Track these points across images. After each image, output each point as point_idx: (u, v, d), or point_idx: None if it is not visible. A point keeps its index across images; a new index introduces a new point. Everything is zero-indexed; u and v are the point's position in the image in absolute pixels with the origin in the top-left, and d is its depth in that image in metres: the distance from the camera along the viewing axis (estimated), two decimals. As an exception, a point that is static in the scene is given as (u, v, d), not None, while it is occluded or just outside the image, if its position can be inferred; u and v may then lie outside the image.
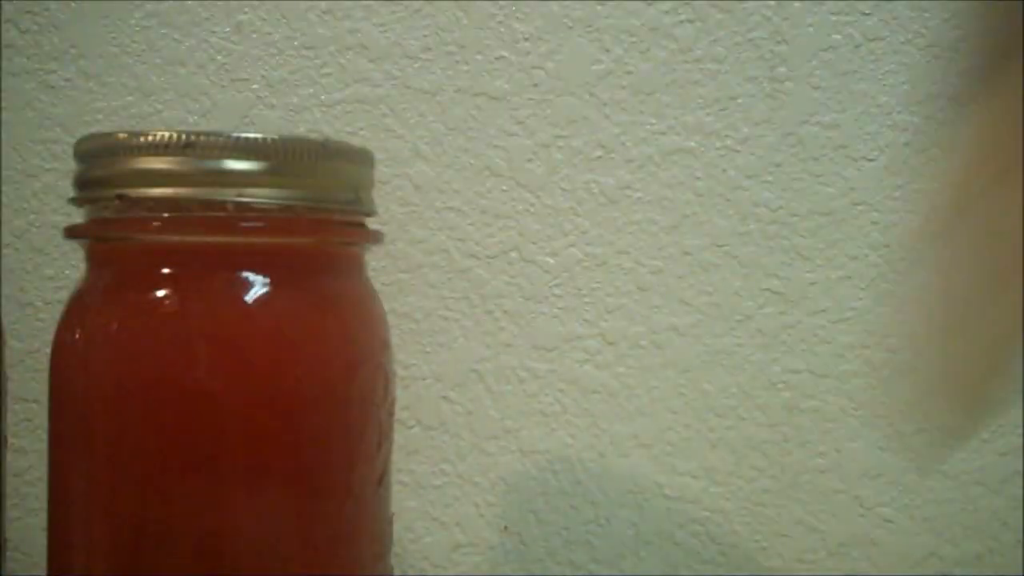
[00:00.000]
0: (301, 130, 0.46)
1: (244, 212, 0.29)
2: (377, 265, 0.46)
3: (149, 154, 0.28)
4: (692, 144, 0.45)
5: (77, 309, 0.30)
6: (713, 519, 0.46)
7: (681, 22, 0.45)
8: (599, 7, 0.45)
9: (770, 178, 0.45)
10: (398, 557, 0.46)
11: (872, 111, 0.45)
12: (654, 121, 0.45)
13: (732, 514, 0.46)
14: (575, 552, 0.46)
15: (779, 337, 0.45)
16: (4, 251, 0.47)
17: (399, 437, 0.43)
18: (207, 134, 0.28)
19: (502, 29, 0.46)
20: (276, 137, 0.29)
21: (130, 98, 0.47)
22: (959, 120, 0.24)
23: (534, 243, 0.46)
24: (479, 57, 0.46)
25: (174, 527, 0.28)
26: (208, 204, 0.28)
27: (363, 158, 0.32)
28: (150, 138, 0.28)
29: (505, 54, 0.46)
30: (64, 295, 0.32)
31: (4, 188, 0.47)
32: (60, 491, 0.30)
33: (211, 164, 0.28)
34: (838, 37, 0.45)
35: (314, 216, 0.30)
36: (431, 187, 0.46)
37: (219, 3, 0.46)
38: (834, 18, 0.45)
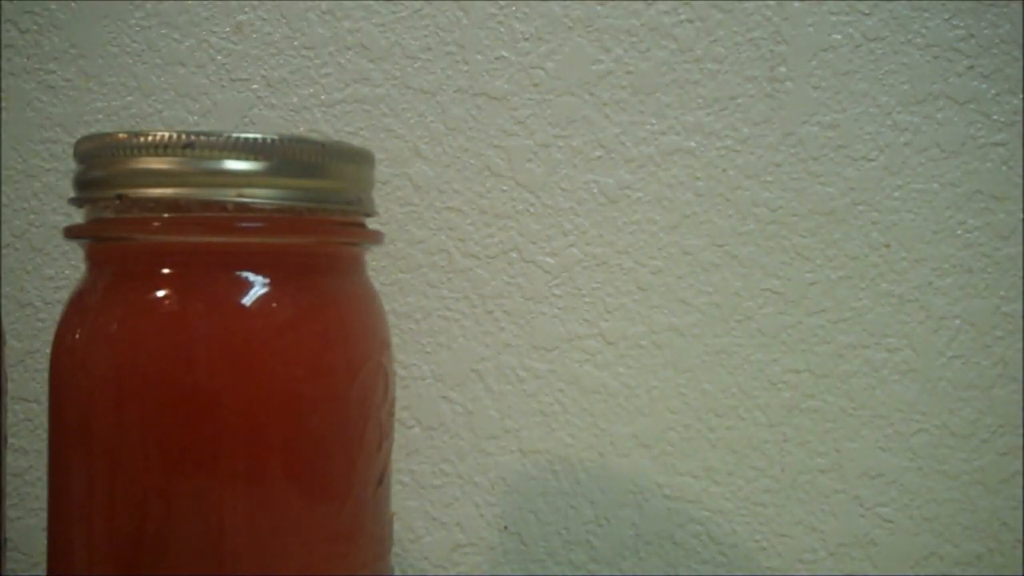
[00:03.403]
0: (301, 130, 0.46)
1: (244, 212, 0.29)
2: (377, 265, 0.46)
3: (149, 154, 0.28)
4: (692, 144, 0.45)
5: (77, 309, 0.30)
6: (713, 519, 0.46)
7: (681, 22, 0.45)
8: (599, 7, 0.45)
9: (770, 178, 0.45)
10: (398, 557, 0.46)
11: (872, 111, 0.45)
12: (654, 121, 0.45)
13: (732, 514, 0.46)
14: (575, 552, 0.46)
15: (779, 337, 0.45)
16: (4, 251, 0.47)
17: (399, 437, 0.43)
18: (207, 134, 0.28)
19: (502, 29, 0.46)
20: (276, 137, 0.29)
21: (130, 98, 0.47)
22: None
23: (534, 243, 0.46)
24: (479, 57, 0.46)
25: (174, 527, 0.28)
26: (208, 204, 0.28)
27: (363, 158, 0.32)
28: (150, 138, 0.28)
29: (505, 54, 0.46)
30: (64, 295, 0.32)
31: (4, 188, 0.47)
32: (60, 491, 0.30)
33: (211, 164, 0.28)
34: (838, 37, 0.45)
35: (314, 216, 0.30)
36: (431, 187, 0.46)
37: (219, 3, 0.46)
38: (834, 18, 0.45)
